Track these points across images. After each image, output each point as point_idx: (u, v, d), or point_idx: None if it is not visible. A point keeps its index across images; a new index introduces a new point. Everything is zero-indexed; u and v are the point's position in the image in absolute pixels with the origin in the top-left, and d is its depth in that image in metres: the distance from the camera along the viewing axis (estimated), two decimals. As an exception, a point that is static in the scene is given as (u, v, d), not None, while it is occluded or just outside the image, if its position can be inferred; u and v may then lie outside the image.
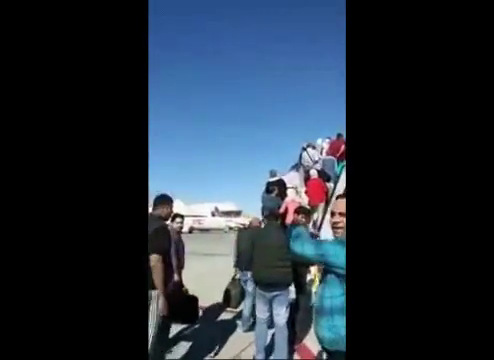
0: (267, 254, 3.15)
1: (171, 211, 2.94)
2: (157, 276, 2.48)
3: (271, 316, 3.21)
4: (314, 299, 3.13)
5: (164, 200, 2.83)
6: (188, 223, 29.91)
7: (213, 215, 27.47)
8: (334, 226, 1.57)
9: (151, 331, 2.44)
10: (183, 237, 4.02)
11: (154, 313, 2.47)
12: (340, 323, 1.36)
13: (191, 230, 26.77)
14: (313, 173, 6.80)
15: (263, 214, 5.95)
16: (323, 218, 6.00)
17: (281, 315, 3.10)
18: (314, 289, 4.13)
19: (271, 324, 3.28)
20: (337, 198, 1.69)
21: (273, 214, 3.65)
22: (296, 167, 8.08)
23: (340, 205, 1.56)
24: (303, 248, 1.51)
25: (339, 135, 8.33)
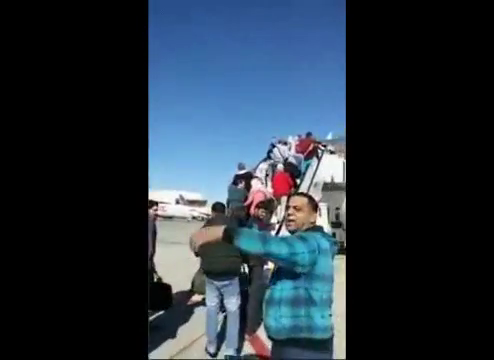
0: (214, 244, 3.21)
1: None
2: None
3: (221, 304, 3.33)
4: None
5: None
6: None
7: (177, 203, 27.10)
8: (288, 218, 1.65)
9: None
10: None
11: None
12: (286, 314, 1.44)
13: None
14: (279, 167, 7.06)
15: (229, 205, 6.00)
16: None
17: (232, 303, 3.23)
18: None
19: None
20: (294, 195, 1.79)
21: (220, 207, 3.69)
22: (265, 161, 8.21)
23: (296, 200, 1.66)
24: (280, 248, 1.35)
25: (309, 134, 8.55)
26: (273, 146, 7.93)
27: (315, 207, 1.67)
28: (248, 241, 1.35)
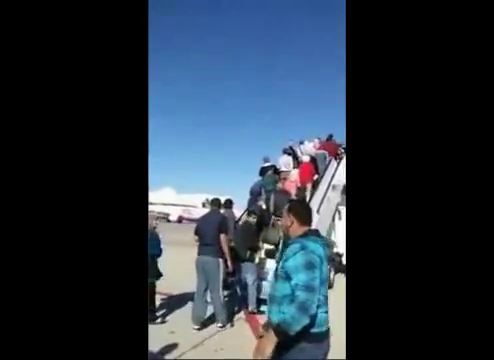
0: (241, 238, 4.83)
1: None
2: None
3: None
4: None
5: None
6: (177, 212, 30.07)
7: (204, 206, 27.71)
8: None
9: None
10: (173, 226, 4.49)
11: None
12: (286, 310, 1.51)
13: (180, 219, 26.98)
14: (305, 158, 7.44)
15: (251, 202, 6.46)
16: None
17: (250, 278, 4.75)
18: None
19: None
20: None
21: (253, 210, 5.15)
22: (287, 151, 8.22)
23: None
24: (304, 312, 1.45)
25: (330, 136, 8.47)
26: (291, 148, 8.01)
27: (293, 212, 1.74)
28: (294, 327, 1.45)
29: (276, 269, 1.72)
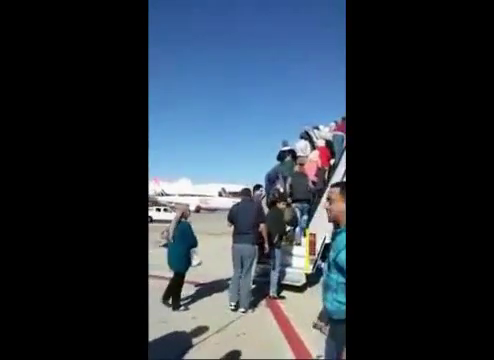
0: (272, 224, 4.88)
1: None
2: None
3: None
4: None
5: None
6: (195, 202, 30.58)
7: (220, 195, 28.06)
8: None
9: None
10: (192, 216, 4.52)
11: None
12: (342, 299, 1.54)
13: (198, 209, 27.39)
14: (320, 142, 7.46)
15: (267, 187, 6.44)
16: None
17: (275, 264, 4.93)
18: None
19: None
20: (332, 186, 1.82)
21: (280, 197, 5.27)
22: (303, 136, 8.11)
23: (328, 192, 1.76)
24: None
25: (344, 119, 8.36)
26: (307, 133, 7.93)
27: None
28: None
29: (326, 257, 1.71)
